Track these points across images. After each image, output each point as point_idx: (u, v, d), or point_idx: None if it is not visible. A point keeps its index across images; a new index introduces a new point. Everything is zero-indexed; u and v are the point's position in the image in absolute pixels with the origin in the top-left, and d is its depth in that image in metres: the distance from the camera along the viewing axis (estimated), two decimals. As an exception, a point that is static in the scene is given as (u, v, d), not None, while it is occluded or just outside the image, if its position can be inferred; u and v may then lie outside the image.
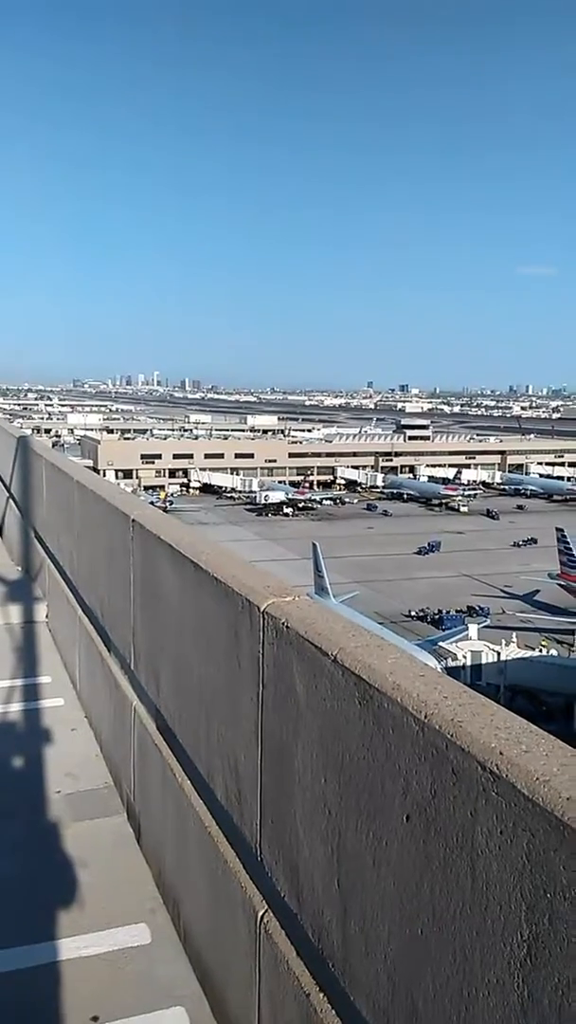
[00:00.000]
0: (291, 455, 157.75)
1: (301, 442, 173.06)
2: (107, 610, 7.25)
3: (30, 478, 12.93)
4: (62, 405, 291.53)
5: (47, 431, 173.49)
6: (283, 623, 3.31)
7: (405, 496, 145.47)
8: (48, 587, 10.85)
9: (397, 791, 2.49)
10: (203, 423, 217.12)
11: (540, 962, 1.93)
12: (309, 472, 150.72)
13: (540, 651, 62.10)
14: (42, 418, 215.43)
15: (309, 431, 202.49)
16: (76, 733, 7.63)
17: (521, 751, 2.08)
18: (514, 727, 2.22)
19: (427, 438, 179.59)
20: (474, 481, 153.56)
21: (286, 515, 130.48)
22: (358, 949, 2.78)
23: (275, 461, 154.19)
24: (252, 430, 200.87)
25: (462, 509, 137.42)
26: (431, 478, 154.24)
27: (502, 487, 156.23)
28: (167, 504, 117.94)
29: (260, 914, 3.62)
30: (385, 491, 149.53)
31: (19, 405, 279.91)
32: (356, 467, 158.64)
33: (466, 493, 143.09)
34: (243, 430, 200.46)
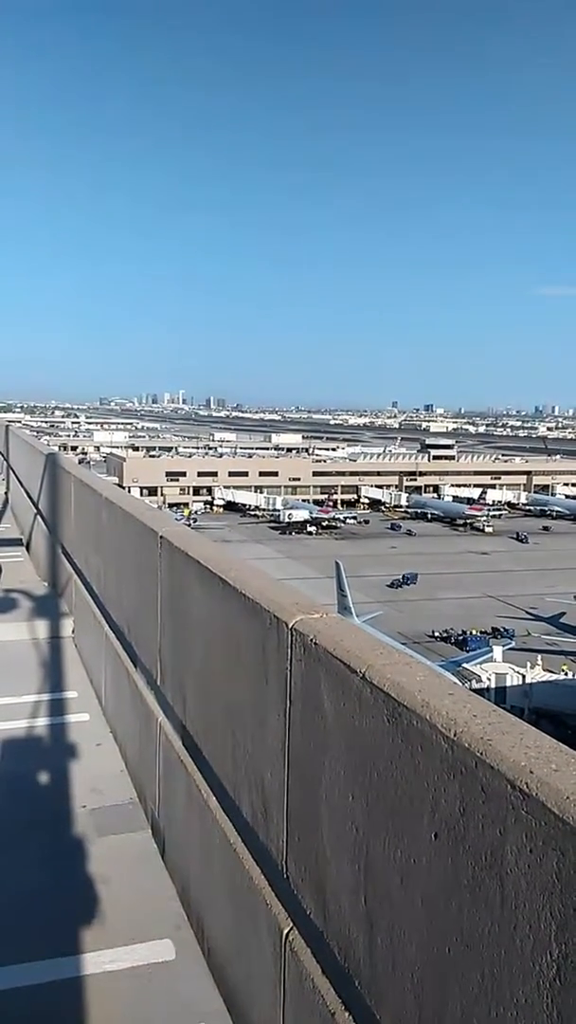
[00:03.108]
0: (315, 474, 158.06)
1: (325, 461, 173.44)
2: (134, 626, 7.30)
3: (58, 494, 13.08)
4: (89, 423, 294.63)
5: (74, 448, 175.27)
6: (311, 640, 3.34)
7: (429, 516, 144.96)
8: (75, 602, 10.94)
9: (425, 809, 2.50)
10: (228, 441, 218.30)
11: (570, 982, 1.92)
12: (333, 491, 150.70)
13: (564, 674, 61.35)
14: (69, 435, 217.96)
15: (333, 450, 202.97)
16: (102, 748, 7.66)
17: (551, 770, 2.08)
18: (544, 746, 2.23)
19: (452, 458, 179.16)
20: (499, 501, 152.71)
21: (310, 533, 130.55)
22: (385, 967, 2.78)
23: (299, 479, 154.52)
24: (276, 448, 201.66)
25: (487, 529, 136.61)
26: (455, 498, 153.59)
27: (527, 508, 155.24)
28: (191, 521, 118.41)
29: (285, 931, 3.62)
30: (409, 510, 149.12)
31: (46, 422, 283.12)
32: (380, 486, 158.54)
33: (491, 513, 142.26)
34: (267, 448, 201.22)
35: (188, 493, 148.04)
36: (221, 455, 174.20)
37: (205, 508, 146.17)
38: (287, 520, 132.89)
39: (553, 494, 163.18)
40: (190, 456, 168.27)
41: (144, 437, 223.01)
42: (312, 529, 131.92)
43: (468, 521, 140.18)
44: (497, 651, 63.68)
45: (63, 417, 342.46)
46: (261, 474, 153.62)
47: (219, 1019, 4.27)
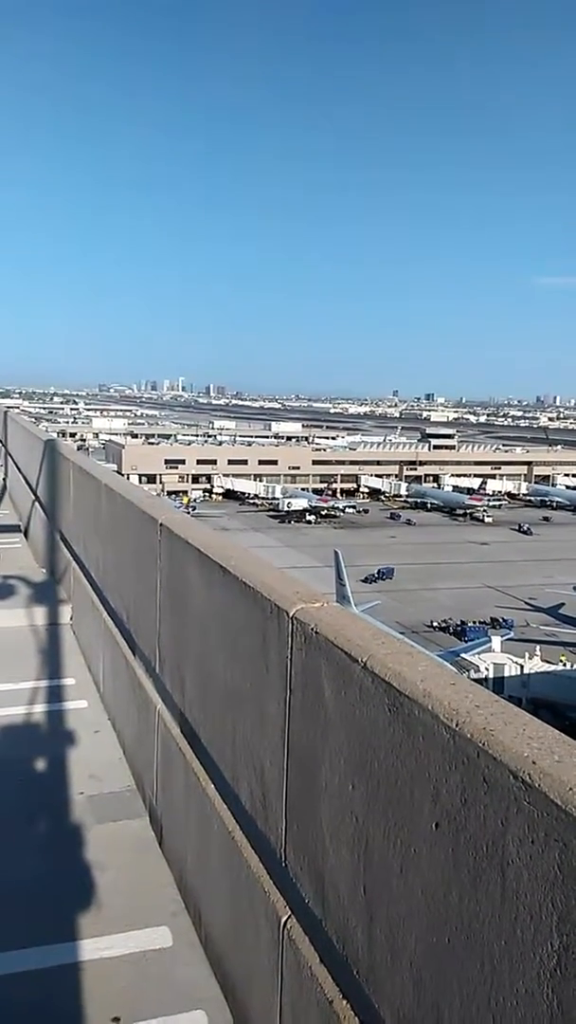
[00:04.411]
0: (315, 462, 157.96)
1: (325, 450, 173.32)
2: (132, 613, 7.29)
3: (57, 481, 13.04)
4: (88, 409, 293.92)
5: (72, 435, 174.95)
6: (312, 629, 3.32)
7: (429, 505, 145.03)
8: (73, 589, 10.93)
9: (426, 799, 2.49)
10: (227, 429, 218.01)
11: (571, 973, 1.92)
12: (333, 480, 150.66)
13: (562, 665, 61.51)
14: (68, 422, 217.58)
15: (333, 439, 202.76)
16: (100, 735, 7.66)
17: (554, 761, 2.07)
18: (547, 737, 2.21)
19: (452, 447, 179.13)
20: (499, 492, 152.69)
21: (309, 522, 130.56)
22: (383, 956, 2.77)
23: (299, 468, 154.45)
24: (276, 437, 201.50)
25: (486, 520, 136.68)
26: (456, 488, 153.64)
27: (528, 498, 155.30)
28: (190, 509, 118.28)
29: (283, 919, 3.62)
30: (409, 500, 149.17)
31: (45, 408, 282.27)
32: (380, 475, 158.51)
33: (491, 503, 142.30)
34: (267, 437, 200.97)
35: (187, 481, 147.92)
36: (220, 443, 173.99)
37: (204, 496, 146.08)
38: (286, 509, 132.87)
39: (554, 484, 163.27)
40: (189, 444, 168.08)
41: (143, 424, 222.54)
42: (311, 518, 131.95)
43: (468, 511, 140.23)
44: (495, 641, 63.82)
45: (62, 403, 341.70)
46: (260, 462, 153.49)
47: (216, 1006, 4.28)
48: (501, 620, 77.86)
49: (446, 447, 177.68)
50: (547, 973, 1.99)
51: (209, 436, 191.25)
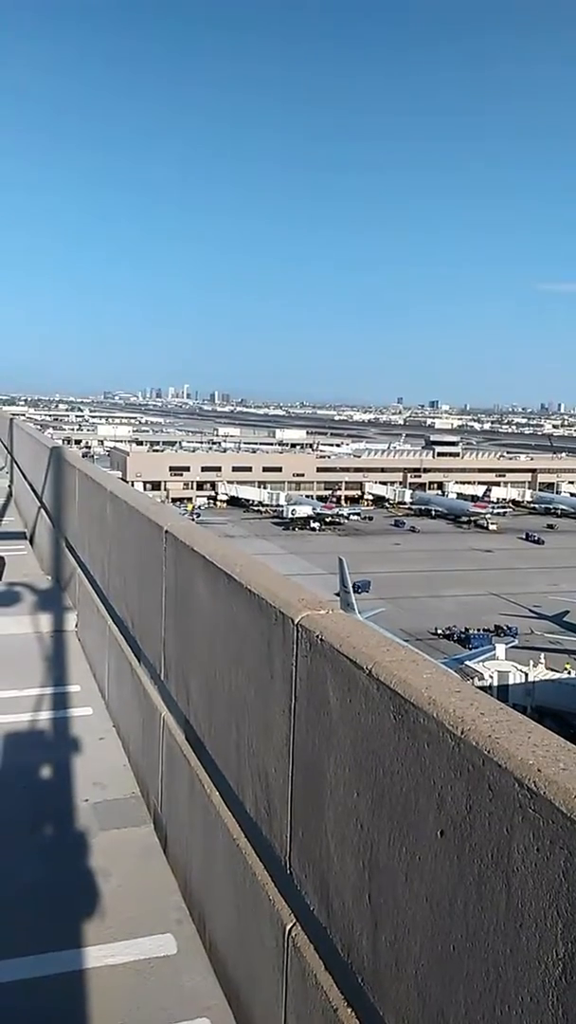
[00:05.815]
0: (319, 470, 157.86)
1: (329, 457, 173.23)
2: (138, 620, 7.30)
3: (62, 488, 13.07)
4: (93, 416, 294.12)
5: (77, 442, 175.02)
6: (317, 636, 3.33)
7: (433, 513, 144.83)
8: (78, 597, 10.94)
9: (431, 806, 2.49)
10: (232, 436, 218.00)
11: (576, 981, 1.92)
12: (337, 487, 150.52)
13: (567, 673, 61.29)
14: (72, 429, 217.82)
15: (338, 446, 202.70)
16: (104, 742, 7.67)
17: (559, 769, 2.08)
18: (552, 745, 2.22)
19: (456, 455, 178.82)
20: (504, 499, 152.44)
21: (313, 530, 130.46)
22: (388, 964, 2.77)
23: (303, 475, 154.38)
24: (281, 444, 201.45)
25: (491, 527, 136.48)
26: (460, 495, 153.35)
27: (532, 505, 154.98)
28: (194, 516, 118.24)
29: (288, 927, 3.62)
30: (413, 507, 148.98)
31: (50, 416, 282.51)
32: (384, 483, 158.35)
33: (495, 511, 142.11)
34: (272, 444, 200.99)
35: (191, 488, 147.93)
36: (225, 450, 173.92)
37: (208, 503, 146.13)
38: (290, 516, 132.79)
39: (558, 492, 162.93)
40: (194, 451, 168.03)
41: (148, 431, 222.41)
42: (316, 525, 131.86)
43: (472, 518, 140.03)
44: (500, 649, 63.64)
45: (67, 410, 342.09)
46: (265, 470, 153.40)
47: (221, 1013, 4.28)
48: (505, 628, 77.66)
49: (450, 454, 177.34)
50: (552, 981, 1.99)
51: (214, 443, 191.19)
